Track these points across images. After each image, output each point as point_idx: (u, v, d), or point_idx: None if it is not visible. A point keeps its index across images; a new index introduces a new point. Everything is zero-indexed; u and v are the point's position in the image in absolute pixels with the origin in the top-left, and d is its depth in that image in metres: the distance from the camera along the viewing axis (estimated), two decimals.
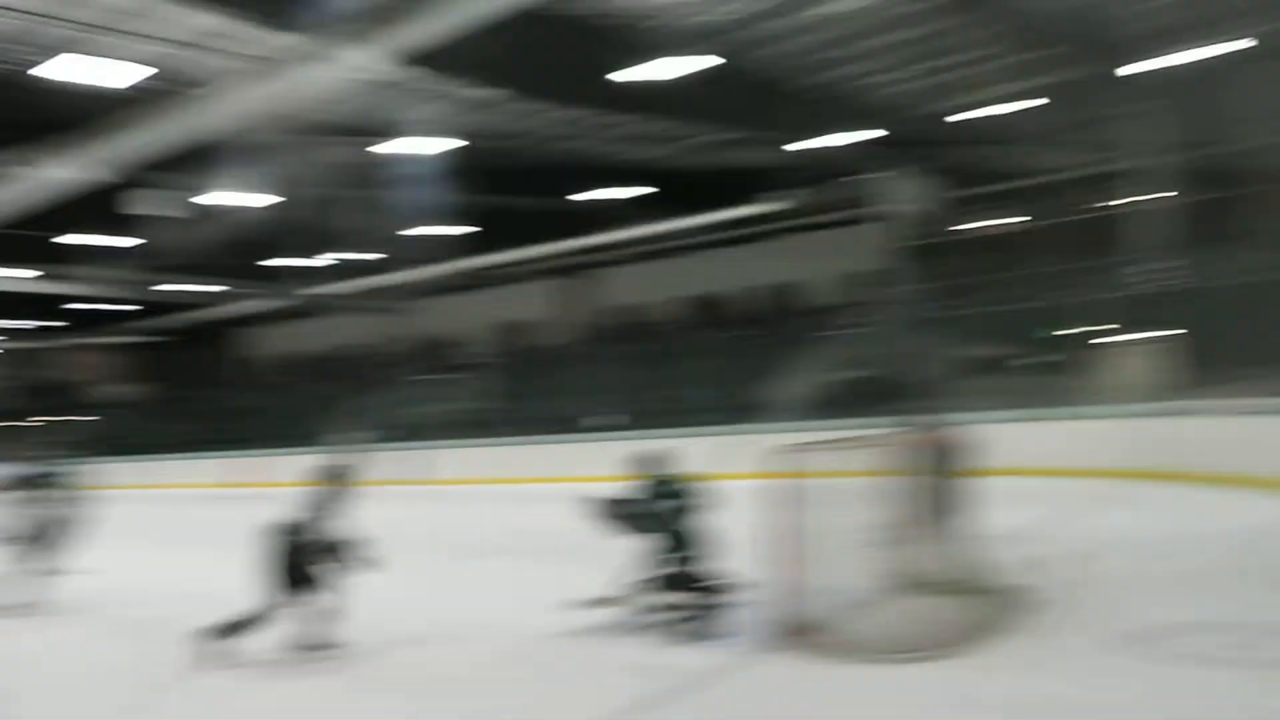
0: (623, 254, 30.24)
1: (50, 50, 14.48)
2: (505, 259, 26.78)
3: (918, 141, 22.28)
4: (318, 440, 26.13)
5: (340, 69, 11.28)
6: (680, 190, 24.06)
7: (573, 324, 31.21)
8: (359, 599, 6.11)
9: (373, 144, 19.08)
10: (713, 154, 22.84)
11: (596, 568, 6.35)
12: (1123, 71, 18.83)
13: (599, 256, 30.50)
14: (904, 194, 23.15)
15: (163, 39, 14.88)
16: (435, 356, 32.49)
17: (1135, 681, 4.70)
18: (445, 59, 14.54)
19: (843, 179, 25.27)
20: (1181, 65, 17.87)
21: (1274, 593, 6.50)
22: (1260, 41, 17.91)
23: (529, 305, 32.66)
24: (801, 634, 5.47)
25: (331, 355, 37.04)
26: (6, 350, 42.69)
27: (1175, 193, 21.20)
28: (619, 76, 14.93)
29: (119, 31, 14.36)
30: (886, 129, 22.27)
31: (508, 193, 22.03)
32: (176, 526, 15.45)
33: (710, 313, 28.43)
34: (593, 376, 21.70)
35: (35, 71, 13.79)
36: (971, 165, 22.31)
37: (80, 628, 7.79)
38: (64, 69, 13.43)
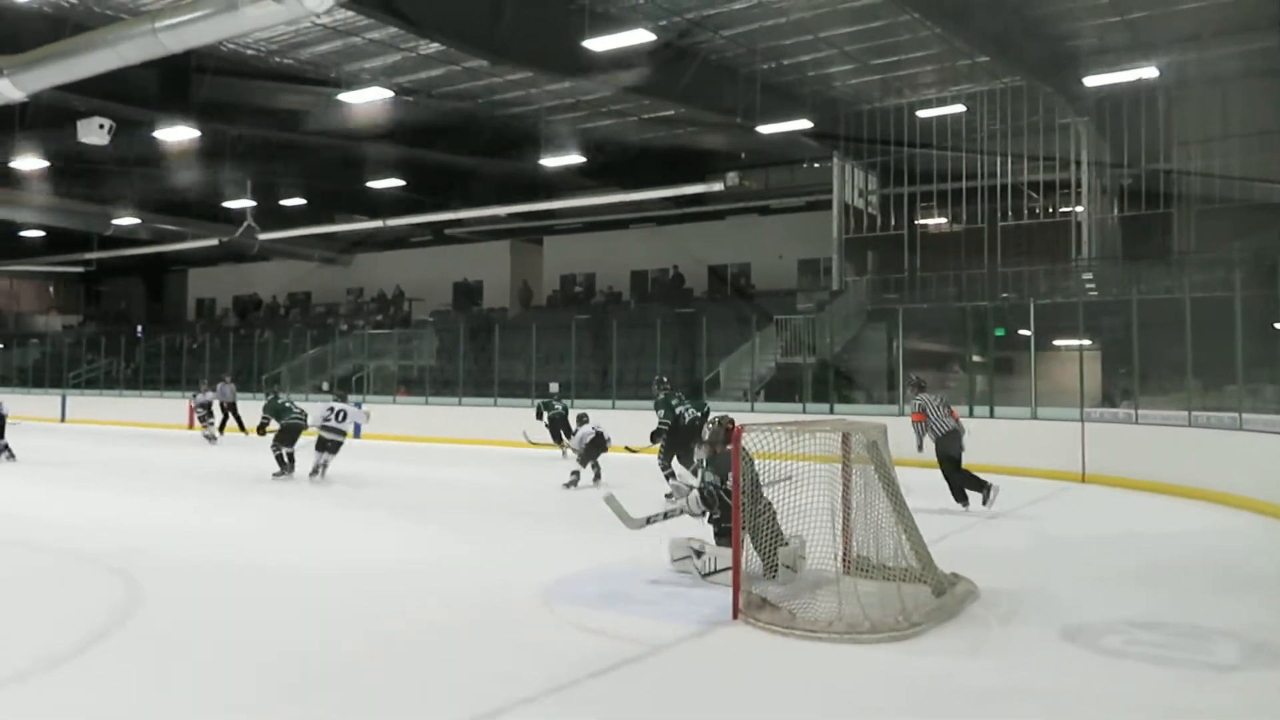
0: (573, 222, 30.19)
1: None
2: (459, 217, 26.55)
3: (867, 137, 22.54)
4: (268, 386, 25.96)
5: (294, 9, 10.98)
6: (631, 163, 24.07)
7: (522, 288, 31.06)
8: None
9: (328, 91, 18.76)
10: (666, 130, 22.85)
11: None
12: (1068, 85, 19.23)
13: (552, 223, 30.40)
14: (853, 185, 23.50)
15: None
16: (387, 310, 32.19)
17: (1075, 672, 4.95)
18: (398, 9, 14.34)
19: (795, 165, 25.59)
20: (1123, 84, 18.30)
21: (1211, 595, 6.82)
22: (1195, 66, 18.43)
23: (483, 266, 32.43)
24: (756, 610, 5.62)
25: (280, 302, 36.50)
26: None
27: (1112, 207, 21.74)
28: (580, 43, 14.80)
29: None
30: (836, 121, 22.48)
31: (460, 151, 21.86)
32: (81, 464, 15.12)
33: (658, 287, 28.46)
34: (539, 343, 21.62)
35: None
36: (918, 164, 22.62)
37: None
38: None
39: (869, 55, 19.07)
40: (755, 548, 6.17)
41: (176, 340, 31.72)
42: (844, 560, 6.26)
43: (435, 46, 17.70)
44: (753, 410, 17.67)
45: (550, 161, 21.25)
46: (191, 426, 23.28)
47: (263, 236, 27.81)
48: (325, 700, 4.45)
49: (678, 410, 11.43)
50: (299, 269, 35.55)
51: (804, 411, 17.18)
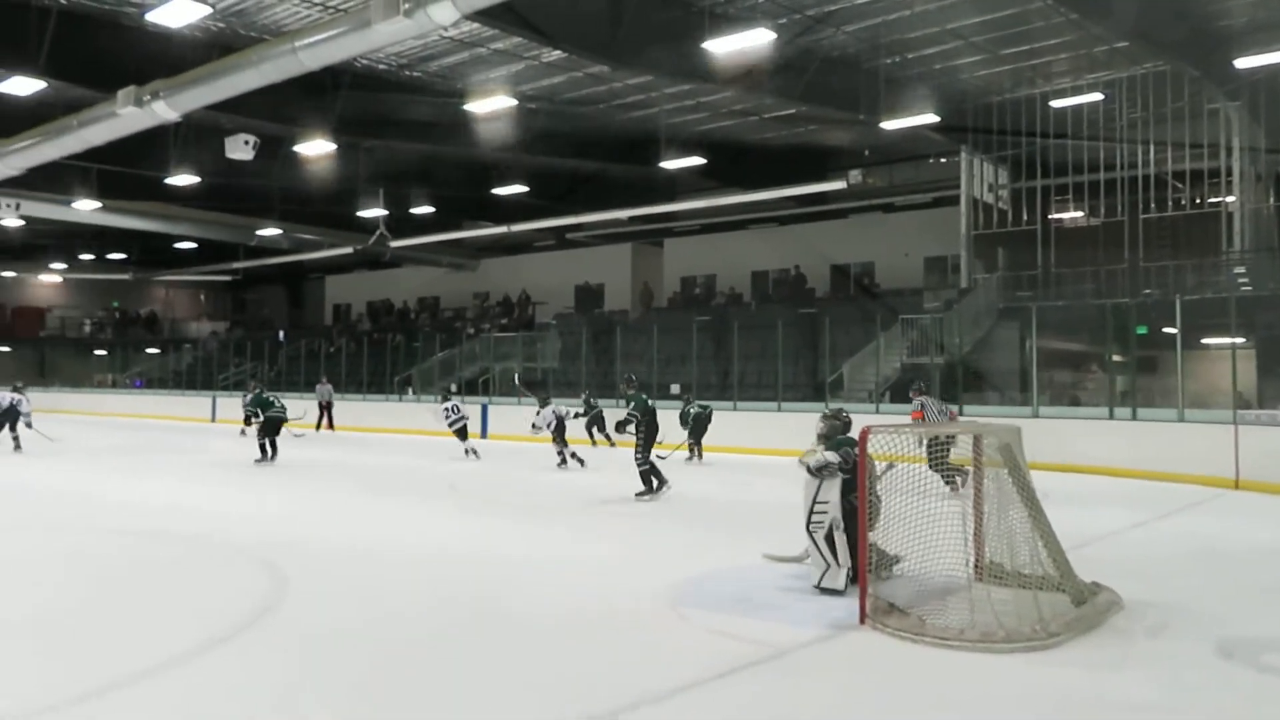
0: (693, 224, 30.22)
1: None
2: (581, 221, 26.95)
3: (997, 129, 21.77)
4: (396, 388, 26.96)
5: (422, 24, 11.36)
6: (752, 163, 23.93)
7: (644, 290, 31.26)
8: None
9: (454, 101, 19.31)
10: (787, 128, 22.61)
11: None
12: (1216, 67, 18.12)
13: (672, 225, 30.51)
14: (982, 180, 22.73)
15: None
16: (511, 314, 32.92)
17: (1233, 691, 4.67)
18: (524, 19, 14.62)
19: (920, 161, 24.93)
20: (1278, 65, 17.11)
21: None
22: None
23: (605, 269, 32.81)
24: (884, 616, 5.51)
25: (410, 307, 37.79)
26: (93, 282, 44.59)
27: (1267, 195, 20.41)
28: (700, 45, 14.81)
29: None
30: (964, 113, 21.80)
31: (581, 156, 22.15)
32: (229, 464, 15.95)
33: (779, 288, 28.19)
34: (660, 344, 21.75)
35: (151, 16, 14.21)
36: (1052, 156, 21.73)
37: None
38: (170, 14, 13.77)
39: (998, 45, 18.42)
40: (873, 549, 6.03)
41: (315, 344, 33.19)
42: (976, 567, 6.06)
43: (557, 54, 18.01)
44: (877, 412, 17.31)
45: (670, 164, 21.32)
46: (319, 426, 24.43)
47: (394, 244, 28.90)
48: (450, 691, 4.56)
49: (650, 404, 11.80)
50: (429, 274, 36.74)
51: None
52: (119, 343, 42.19)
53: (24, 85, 16.50)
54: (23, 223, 27.55)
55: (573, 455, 15.23)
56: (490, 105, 17.94)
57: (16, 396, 16.94)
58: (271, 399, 16.10)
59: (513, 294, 33.98)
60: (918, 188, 25.83)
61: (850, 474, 6.28)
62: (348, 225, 29.67)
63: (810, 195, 23.07)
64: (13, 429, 16.77)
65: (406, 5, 10.89)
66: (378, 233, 27.71)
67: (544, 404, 15.51)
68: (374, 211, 27.21)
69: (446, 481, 13.16)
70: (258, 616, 5.81)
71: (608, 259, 32.76)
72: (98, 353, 41.70)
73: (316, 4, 15.86)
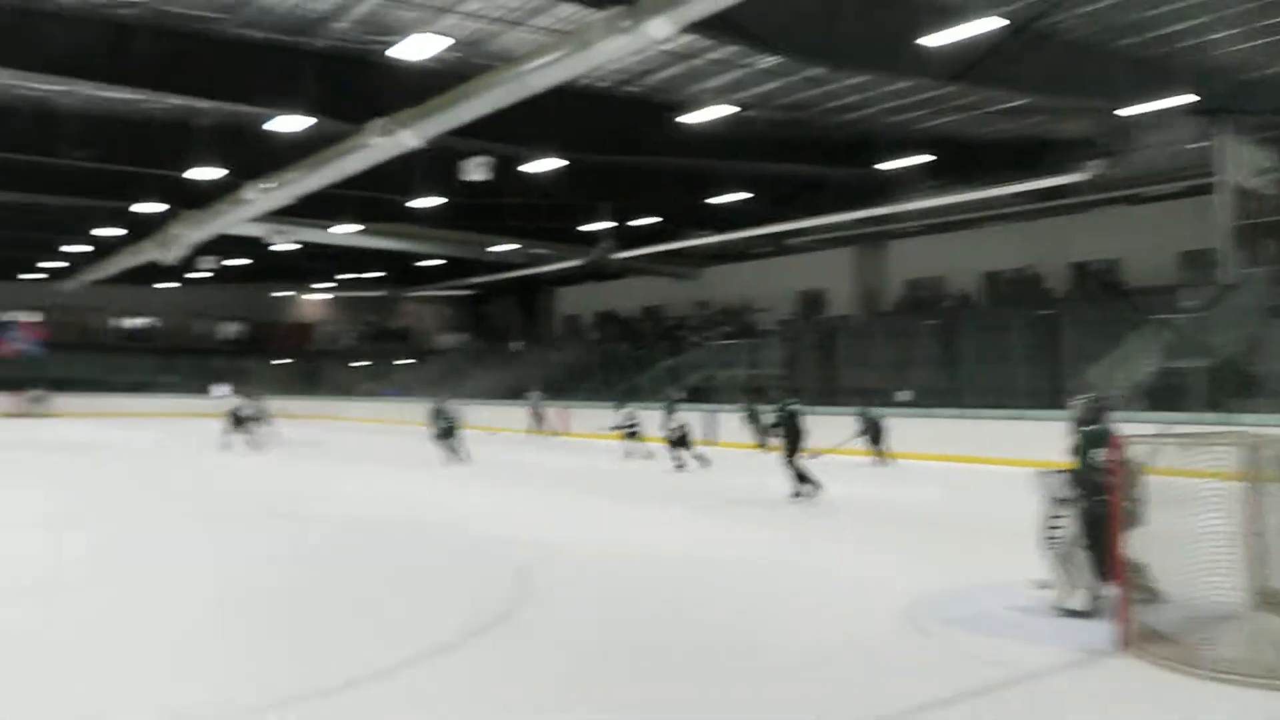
0: (920, 224, 29.18)
1: (398, 31, 16.33)
2: (802, 227, 26.71)
3: (1260, 109, 19.61)
4: (624, 397, 27.83)
5: (640, 40, 11.69)
6: (980, 159, 22.82)
7: (868, 294, 30.56)
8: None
9: (672, 113, 19.69)
10: (1016, 120, 21.42)
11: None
12: None
13: (895, 226, 29.62)
14: (1242, 165, 20.57)
15: (480, 16, 16.31)
16: (733, 322, 33.13)
17: None
18: (739, 27, 14.68)
19: (1170, 147, 22.88)
20: None
21: None
22: None
23: (826, 274, 32.33)
24: (1146, 642, 5.12)
25: (636, 316, 38.87)
26: (352, 299, 49.01)
27: None
28: (918, 41, 14.33)
29: (455, 11, 15.95)
30: (1219, 94, 19.78)
31: (800, 160, 21.95)
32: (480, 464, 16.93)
33: (1013, 288, 26.74)
34: (886, 349, 21.22)
35: (391, 52, 15.58)
36: None
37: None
38: (411, 48, 14.99)
39: (1255, 16, 16.60)
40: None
41: (548, 354, 34.71)
42: (1256, 594, 5.43)
43: (773, 60, 17.95)
44: (1132, 421, 16.00)
45: (892, 163, 20.73)
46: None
47: (618, 255, 29.79)
48: (694, 705, 4.59)
49: (796, 411, 12.09)
50: (653, 285, 37.56)
51: (1203, 422, 15.28)
52: (376, 354, 46.05)
53: (292, 123, 18.43)
54: (294, 247, 30.56)
55: (696, 457, 16.52)
56: (708, 115, 18.14)
57: (244, 401, 19.34)
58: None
59: (734, 302, 34.14)
60: (1166, 176, 23.73)
61: (1097, 477, 5.84)
62: (575, 239, 30.86)
63: (1046, 189, 21.75)
64: (240, 430, 19.41)
65: (624, 23, 11.22)
66: (602, 245, 28.67)
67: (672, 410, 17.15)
68: (599, 225, 28.14)
69: (672, 484, 13.40)
70: (509, 612, 6.12)
71: (829, 263, 32.20)
72: (358, 364, 45.67)
73: (542, 28, 16.62)
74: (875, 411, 16.97)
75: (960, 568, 7.45)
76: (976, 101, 20.49)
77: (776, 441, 11.95)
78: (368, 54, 17.81)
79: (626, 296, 39.27)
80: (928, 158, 20.54)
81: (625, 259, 30.64)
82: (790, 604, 6.48)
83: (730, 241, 28.90)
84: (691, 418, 18.44)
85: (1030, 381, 19.13)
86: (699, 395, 25.51)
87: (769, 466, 15.43)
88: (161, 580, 7.28)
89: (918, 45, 14.60)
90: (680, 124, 19.05)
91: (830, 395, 21.78)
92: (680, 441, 16.86)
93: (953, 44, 14.39)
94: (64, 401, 37.29)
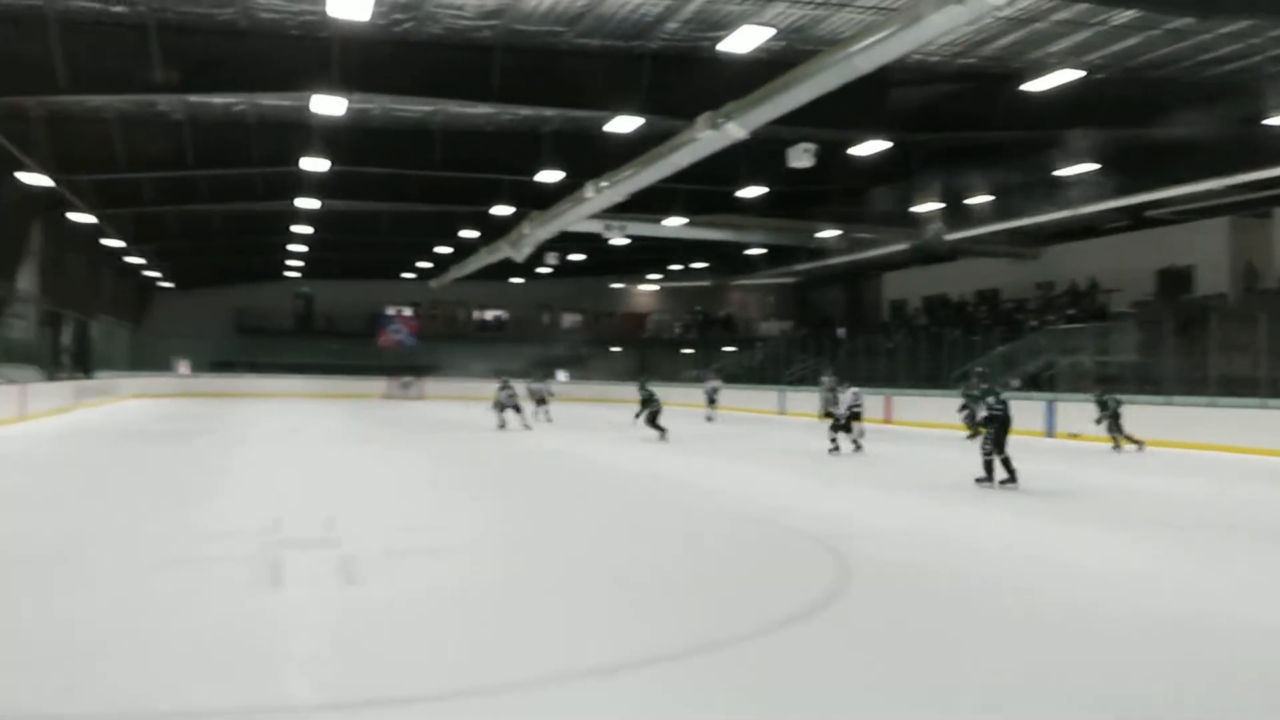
0: None
1: (726, 25, 16.61)
2: (1163, 197, 23.99)
3: None
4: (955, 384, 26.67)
5: (976, 8, 11.00)
6: None
7: (1247, 270, 26.90)
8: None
9: (1010, 83, 18.43)
10: None
11: None
12: None
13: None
14: None
15: (805, 2, 16.15)
16: (1078, 303, 30.56)
17: None
18: None
19: None
20: None
21: None
22: None
23: (1194, 249, 28.81)
24: None
25: (968, 300, 36.98)
26: (680, 289, 50.86)
27: None
28: None
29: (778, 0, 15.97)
30: None
31: (1162, 124, 19.68)
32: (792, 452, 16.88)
33: None
34: (1269, 333, 18.59)
35: (721, 46, 15.99)
36: None
37: None
38: (739, 40, 15.27)
39: None
40: None
41: (874, 340, 33.94)
42: None
43: (1130, 14, 16.25)
44: None
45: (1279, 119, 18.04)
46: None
47: (950, 237, 28.43)
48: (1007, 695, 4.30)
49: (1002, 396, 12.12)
50: (987, 266, 35.48)
51: None
52: (702, 342, 47.49)
53: (627, 124, 19.38)
54: (628, 241, 32.17)
55: (854, 440, 16.39)
56: (1053, 81, 16.78)
57: (503, 383, 22.10)
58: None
59: (1080, 282, 31.39)
60: None
61: None
62: (902, 221, 29.87)
63: None
64: (507, 410, 21.74)
65: None
66: (932, 226, 27.48)
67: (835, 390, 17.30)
68: (929, 205, 27.00)
69: (1028, 489, 12.58)
70: (825, 603, 6.04)
71: (1198, 236, 28.58)
72: (685, 351, 47.34)
73: (870, 7, 16.18)
74: (1113, 398, 17.34)
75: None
76: None
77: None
78: (696, 51, 18.30)
79: (958, 280, 37.40)
80: None
81: (958, 240, 29.17)
82: (1133, 617, 5.81)
83: (1077, 217, 26.54)
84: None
85: None
86: (1035, 384, 23.77)
87: (1123, 463, 14.08)
88: (561, 547, 7.92)
89: None
90: (1021, 93, 17.78)
91: (1197, 385, 19.43)
92: (844, 425, 16.39)
93: None
94: (431, 385, 42.00)
